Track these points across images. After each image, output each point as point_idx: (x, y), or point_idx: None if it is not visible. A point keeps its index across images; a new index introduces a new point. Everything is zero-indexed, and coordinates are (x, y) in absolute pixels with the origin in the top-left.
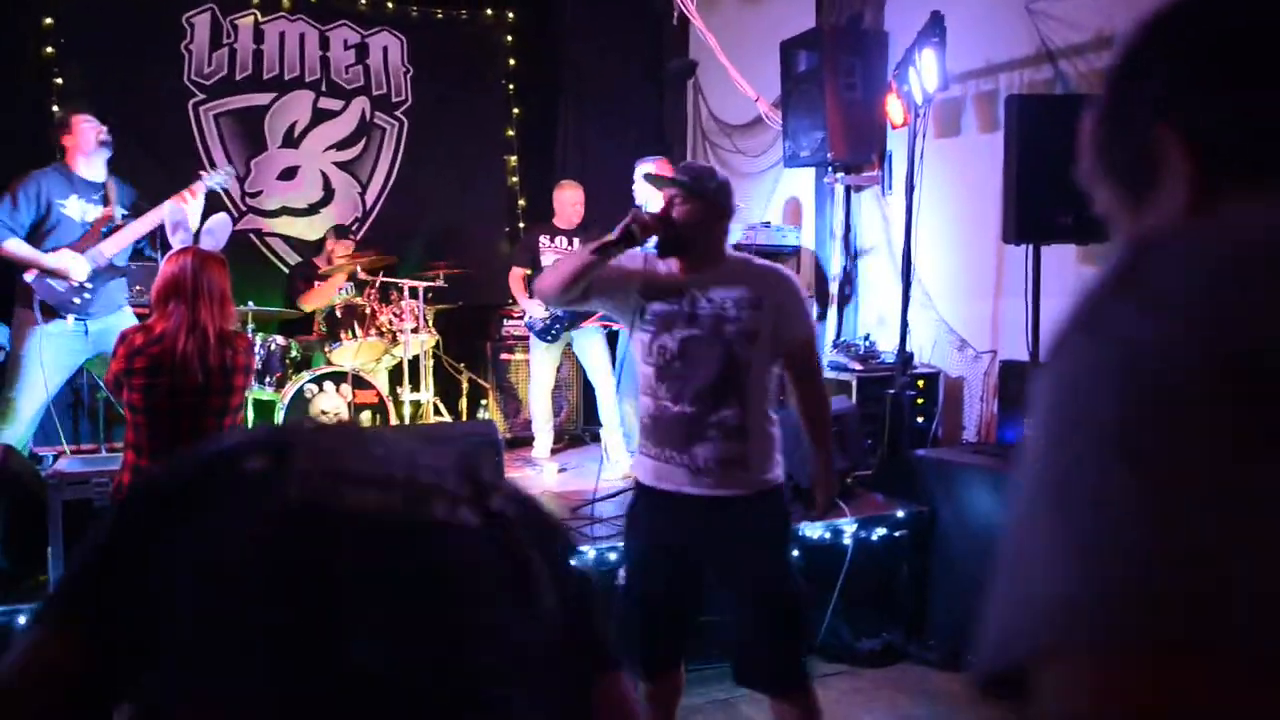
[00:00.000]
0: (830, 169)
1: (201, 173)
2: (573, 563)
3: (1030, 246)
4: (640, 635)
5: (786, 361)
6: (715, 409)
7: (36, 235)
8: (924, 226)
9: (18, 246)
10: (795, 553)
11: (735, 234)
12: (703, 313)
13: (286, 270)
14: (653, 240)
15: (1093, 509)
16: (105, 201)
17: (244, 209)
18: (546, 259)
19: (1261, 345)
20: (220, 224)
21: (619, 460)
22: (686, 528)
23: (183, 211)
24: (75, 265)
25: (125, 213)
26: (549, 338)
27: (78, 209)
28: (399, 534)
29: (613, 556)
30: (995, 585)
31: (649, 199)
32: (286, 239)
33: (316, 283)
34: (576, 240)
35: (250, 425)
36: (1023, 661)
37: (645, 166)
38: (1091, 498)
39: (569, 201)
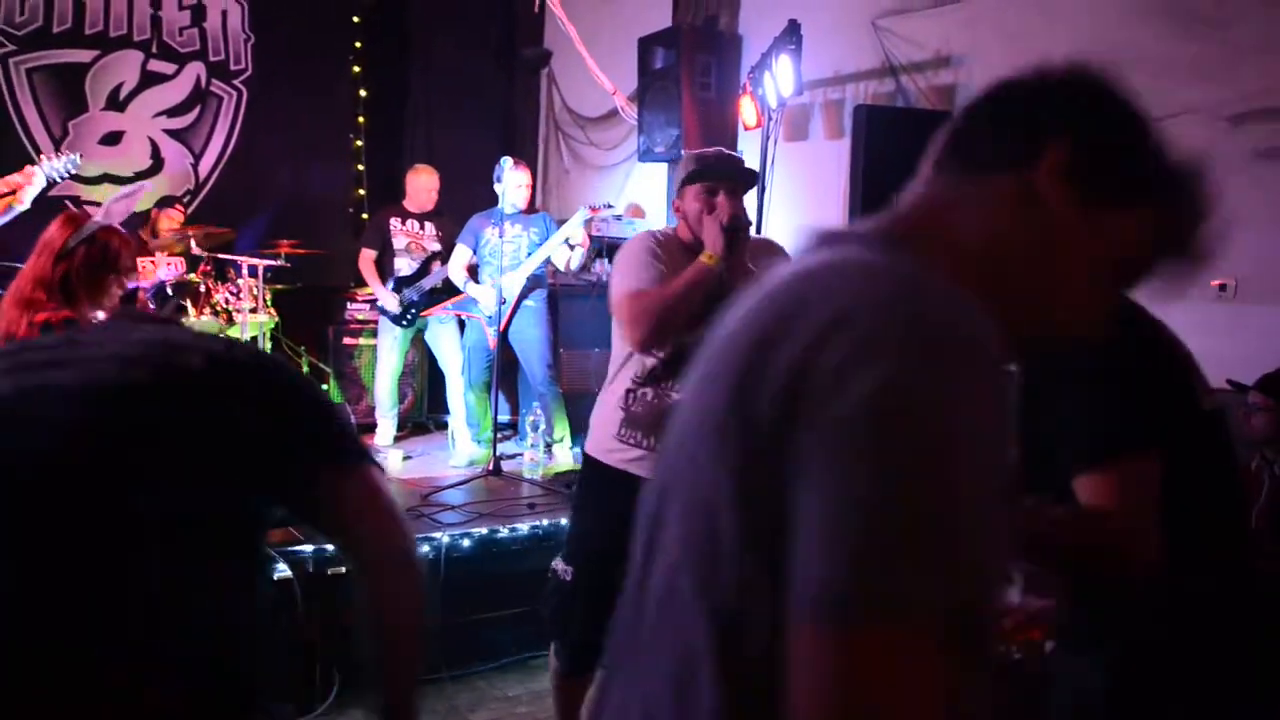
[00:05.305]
0: None
1: (42, 157)
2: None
3: None
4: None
5: None
6: None
7: None
8: (769, 226)
9: None
10: None
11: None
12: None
13: None
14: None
15: None
16: None
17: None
18: (398, 241)
19: None
20: None
21: (465, 449)
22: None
23: None
24: None
25: None
26: (404, 323)
27: None
28: None
29: (466, 543)
30: None
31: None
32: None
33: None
34: (429, 224)
35: None
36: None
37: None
38: None
39: (424, 186)
